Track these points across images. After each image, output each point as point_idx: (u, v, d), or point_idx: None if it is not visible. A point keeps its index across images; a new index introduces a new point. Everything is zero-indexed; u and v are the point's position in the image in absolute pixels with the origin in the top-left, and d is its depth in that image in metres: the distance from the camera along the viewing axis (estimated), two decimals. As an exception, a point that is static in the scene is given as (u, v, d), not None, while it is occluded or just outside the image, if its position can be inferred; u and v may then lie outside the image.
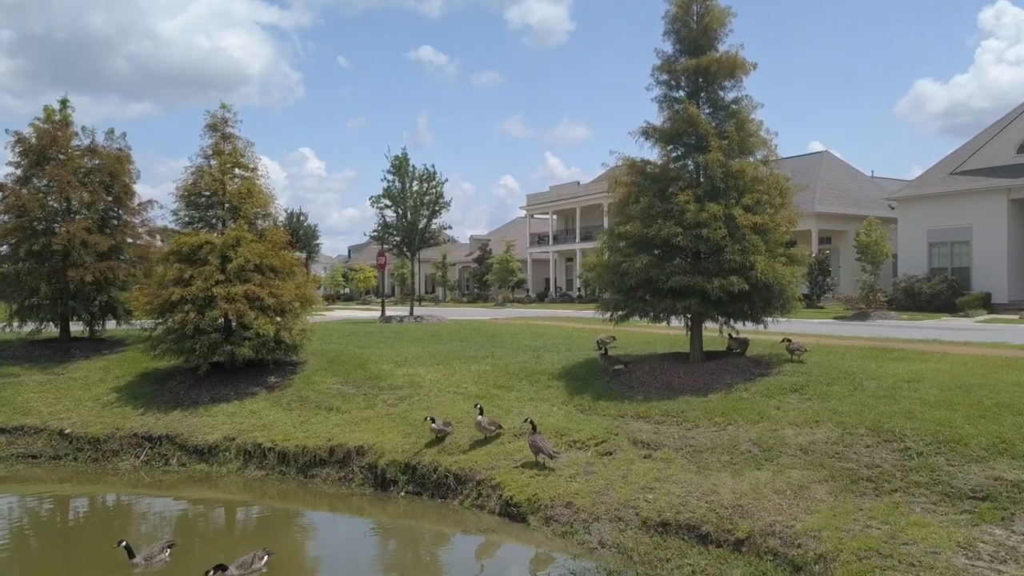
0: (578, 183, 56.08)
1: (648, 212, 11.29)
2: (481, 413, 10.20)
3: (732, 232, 10.77)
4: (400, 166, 23.58)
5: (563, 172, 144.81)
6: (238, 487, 10.94)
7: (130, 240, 16.58)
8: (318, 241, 41.56)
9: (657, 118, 11.93)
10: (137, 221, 17.16)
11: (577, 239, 55.17)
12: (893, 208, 35.38)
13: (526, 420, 9.71)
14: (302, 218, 40.78)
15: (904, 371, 10.62)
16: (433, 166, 24.16)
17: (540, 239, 61.57)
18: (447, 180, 24.35)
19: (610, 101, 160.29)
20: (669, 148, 11.71)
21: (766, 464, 8.49)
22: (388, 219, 24.42)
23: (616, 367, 11.95)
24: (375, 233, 24.84)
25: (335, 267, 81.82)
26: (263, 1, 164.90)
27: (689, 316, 11.58)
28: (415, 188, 23.92)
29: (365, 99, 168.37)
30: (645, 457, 9.24)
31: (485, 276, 58.31)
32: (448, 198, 24.44)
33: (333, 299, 77.96)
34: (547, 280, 60.85)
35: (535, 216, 62.82)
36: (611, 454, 9.42)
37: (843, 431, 8.78)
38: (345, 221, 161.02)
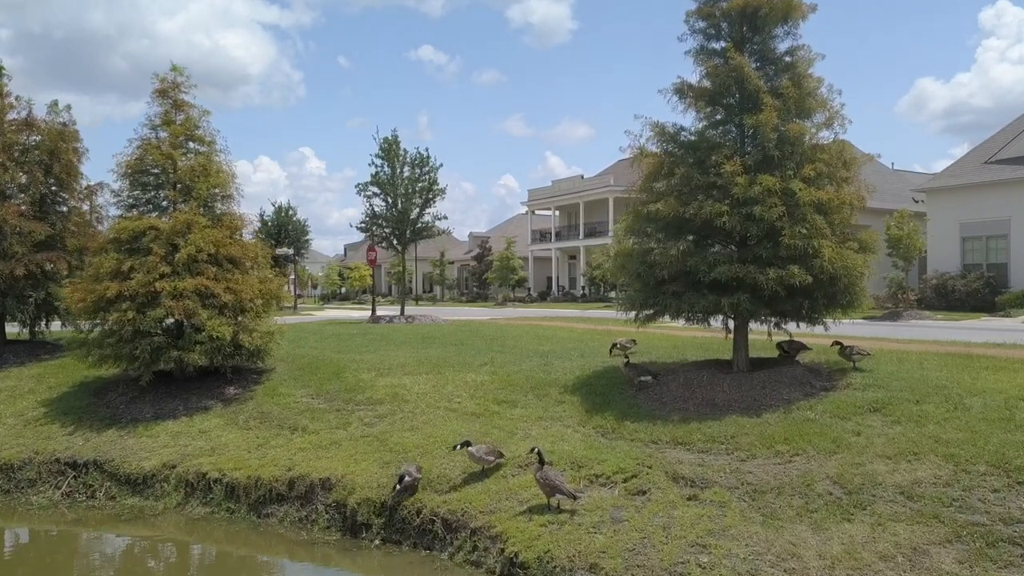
0: (582, 176, 53.96)
1: (685, 187, 9.16)
2: (467, 446, 7.99)
3: (791, 211, 8.63)
4: (389, 150, 21.37)
5: (564, 172, 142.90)
6: (177, 527, 8.80)
7: (75, 228, 14.38)
8: (308, 237, 39.19)
9: (693, 74, 9.81)
10: (86, 208, 14.99)
11: (581, 235, 53.03)
12: (918, 202, 33.24)
13: (532, 450, 7.55)
14: (291, 212, 38.51)
15: (1012, 385, 8.47)
16: (427, 150, 22.17)
17: (542, 236, 59.43)
18: (442, 165, 22.22)
19: (612, 100, 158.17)
20: (708, 110, 9.54)
21: (857, 513, 6.35)
22: (377, 208, 22.21)
23: (643, 378, 9.79)
24: (362, 224, 22.64)
25: (331, 266, 79.73)
26: (264, 0, 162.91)
27: (732, 316, 9.42)
28: (406, 174, 21.71)
29: (365, 98, 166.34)
30: (690, 499, 7.10)
31: (485, 274, 56.18)
32: (443, 184, 22.31)
33: (329, 298, 75.92)
34: (549, 278, 58.70)
35: (537, 212, 60.70)
36: (645, 493, 7.28)
37: (955, 468, 6.64)
38: (345, 221, 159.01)
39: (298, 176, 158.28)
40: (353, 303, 61.71)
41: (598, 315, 28.76)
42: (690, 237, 9.42)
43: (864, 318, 23.18)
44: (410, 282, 67.49)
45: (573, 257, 56.74)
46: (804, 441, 7.61)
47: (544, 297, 54.39)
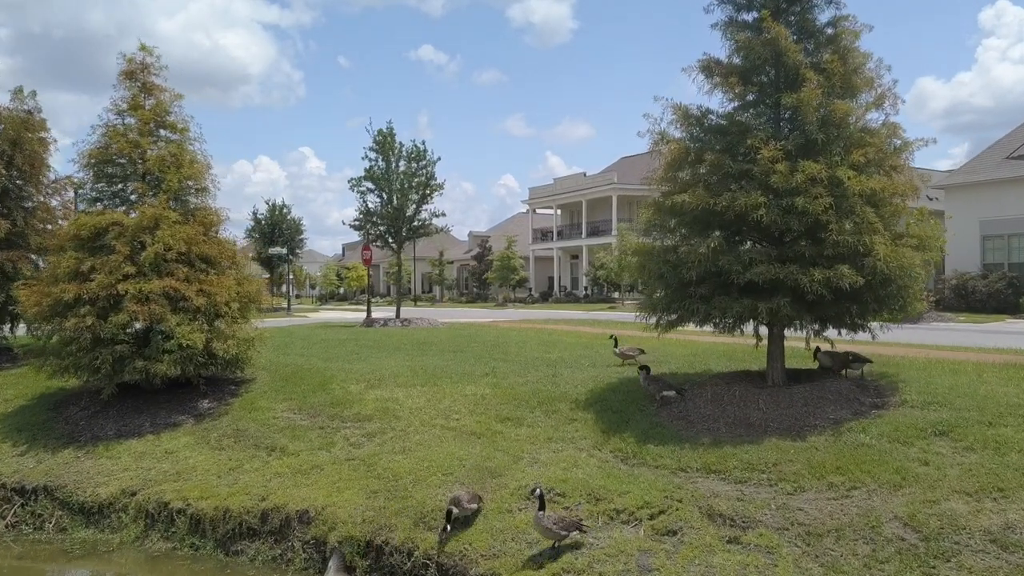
0: (584, 174, 52.83)
1: (715, 175, 8.03)
2: (457, 506, 6.72)
3: (839, 202, 7.51)
4: (384, 142, 20.18)
5: (564, 171, 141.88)
6: (135, 564, 7.69)
7: (43, 225, 13.25)
8: (302, 236, 38.02)
9: (721, 50, 8.67)
10: (55, 203, 13.87)
11: (583, 234, 51.91)
12: (934, 200, 32.11)
13: (533, 491, 6.40)
14: (285, 211, 37.35)
15: (1098, 404, 7.34)
16: (423, 143, 20.77)
17: (543, 235, 58.32)
18: (439, 159, 20.98)
19: (613, 100, 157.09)
20: (739, 90, 8.40)
21: (940, 567, 5.23)
22: (371, 205, 21.03)
23: (666, 393, 8.66)
24: (356, 222, 21.45)
25: (328, 266, 78.63)
26: (264, 0, 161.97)
27: (769, 323, 8.29)
28: (402, 168, 20.53)
29: (365, 98, 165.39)
30: (730, 542, 5.98)
31: (485, 275, 55.05)
32: (441, 179, 21.13)
33: (327, 299, 74.80)
34: (551, 278, 57.60)
35: (538, 211, 59.61)
36: (676, 534, 6.16)
37: (1055, 509, 5.51)
38: (344, 220, 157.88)
39: (298, 176, 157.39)
40: (350, 304, 60.61)
41: (604, 317, 27.63)
42: (718, 233, 8.29)
43: (882, 321, 22.07)
44: (408, 282, 66.40)
45: (575, 257, 55.60)
46: (861, 471, 6.48)
47: (546, 298, 53.26)
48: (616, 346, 11.29)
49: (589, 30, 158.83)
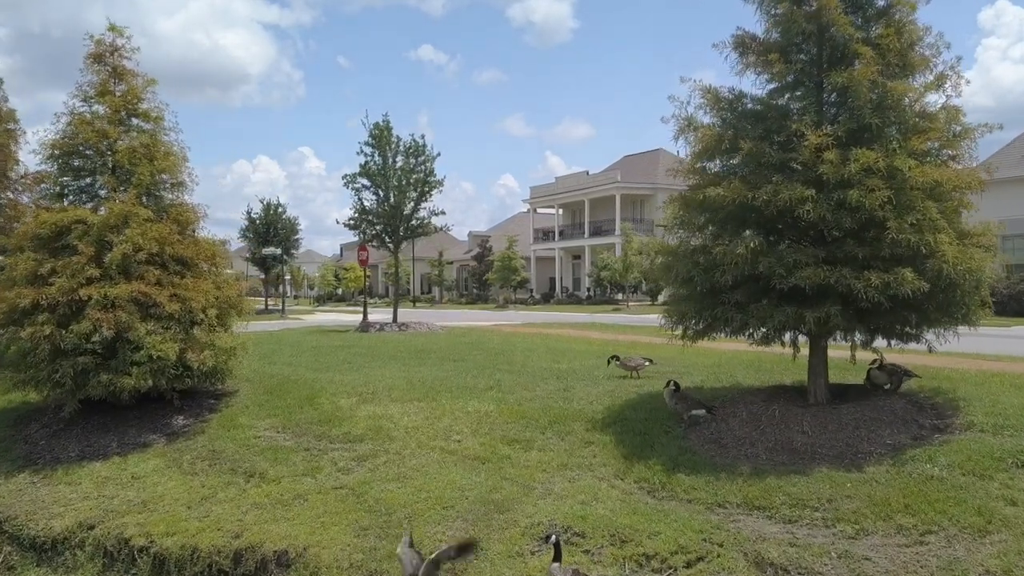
0: (587, 173, 51.87)
1: (751, 166, 7.06)
2: (411, 544, 5.70)
3: (896, 196, 6.52)
4: (381, 136, 19.15)
5: (564, 171, 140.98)
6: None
7: (12, 224, 12.27)
8: (298, 236, 37.01)
9: (758, 25, 7.70)
10: (26, 200, 12.88)
11: (586, 234, 50.96)
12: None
13: (548, 537, 5.42)
14: (280, 210, 36.32)
15: None
16: (422, 137, 19.78)
17: (545, 235, 57.37)
18: (439, 154, 19.93)
19: (613, 99, 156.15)
20: (778, 68, 7.41)
21: (1055, 640, 4.24)
22: (367, 203, 20.00)
23: (694, 412, 7.69)
24: (351, 221, 20.42)
25: (326, 266, 77.68)
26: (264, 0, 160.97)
27: (815, 332, 7.30)
28: (399, 164, 19.50)
29: (365, 98, 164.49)
30: (787, 600, 5.00)
31: (485, 275, 54.06)
32: (441, 176, 20.07)
33: (324, 300, 73.81)
34: (552, 279, 56.65)
35: (539, 210, 58.66)
36: (719, 588, 5.18)
37: None
38: (342, 220, 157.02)
39: (297, 176, 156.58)
40: (348, 305, 59.63)
41: (610, 320, 26.64)
42: (755, 232, 7.31)
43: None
44: (407, 283, 65.43)
45: (577, 257, 54.64)
46: (935, 511, 5.50)
47: (547, 299, 52.29)
48: (617, 361, 10.41)
49: (590, 29, 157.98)
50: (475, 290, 59.47)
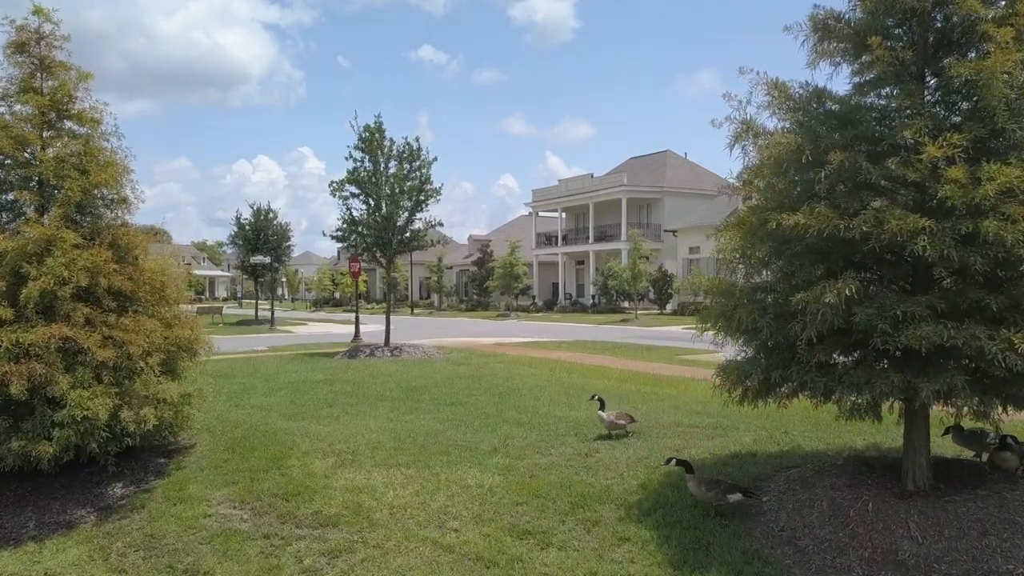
0: (591, 176, 50.22)
1: (849, 185, 5.39)
2: None
3: (1041, 227, 4.85)
4: (372, 140, 17.45)
5: (565, 171, 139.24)
6: None
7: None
8: (290, 243, 35.28)
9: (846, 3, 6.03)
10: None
11: (590, 239, 49.32)
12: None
13: None
14: (271, 216, 34.61)
15: None
16: (417, 139, 18.08)
17: (547, 239, 55.74)
18: (436, 159, 18.15)
19: (614, 99, 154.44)
20: (867, 59, 5.73)
21: None
22: (356, 213, 18.28)
23: (730, 498, 6.00)
24: (338, 232, 18.68)
25: (322, 270, 76.10)
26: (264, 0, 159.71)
27: (924, 403, 5.61)
28: (392, 170, 17.78)
29: (365, 99, 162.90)
30: None
31: (486, 281, 52.38)
32: (438, 184, 18.34)
33: (321, 304, 72.16)
34: (555, 285, 55.00)
35: (541, 214, 57.02)
36: None
37: None
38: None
39: (297, 176, 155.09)
40: (344, 310, 58.00)
41: (622, 336, 24.95)
42: (848, 272, 5.63)
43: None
44: (405, 289, 63.79)
45: (581, 263, 52.97)
46: None
47: (550, 306, 50.64)
48: (601, 408, 8.70)
49: (591, 29, 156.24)
50: (475, 296, 57.77)
